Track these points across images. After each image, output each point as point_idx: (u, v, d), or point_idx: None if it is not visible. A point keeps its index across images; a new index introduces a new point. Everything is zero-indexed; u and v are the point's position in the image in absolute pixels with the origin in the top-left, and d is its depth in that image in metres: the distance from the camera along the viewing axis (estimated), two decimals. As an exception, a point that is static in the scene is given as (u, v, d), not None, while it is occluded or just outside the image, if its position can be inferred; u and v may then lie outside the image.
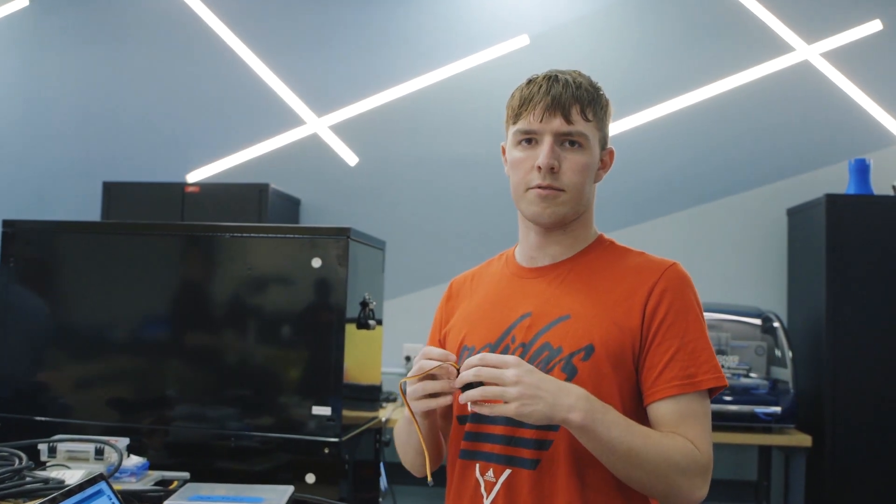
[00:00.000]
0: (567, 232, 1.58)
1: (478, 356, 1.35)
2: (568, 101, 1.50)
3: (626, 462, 1.38)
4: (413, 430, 1.57)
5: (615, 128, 4.55)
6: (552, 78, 1.53)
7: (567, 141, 1.51)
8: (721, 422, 3.77)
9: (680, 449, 1.39)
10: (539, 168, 1.50)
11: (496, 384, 1.33)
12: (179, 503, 1.63)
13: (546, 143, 1.50)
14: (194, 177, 4.99)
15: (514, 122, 1.55)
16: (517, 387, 1.32)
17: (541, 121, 1.50)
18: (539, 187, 1.51)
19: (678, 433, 1.42)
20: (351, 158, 4.91)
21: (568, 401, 1.33)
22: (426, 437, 1.55)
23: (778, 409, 3.80)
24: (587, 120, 1.51)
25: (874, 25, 4.55)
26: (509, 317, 1.55)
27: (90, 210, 4.81)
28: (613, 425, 1.35)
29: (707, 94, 4.64)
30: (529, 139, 1.53)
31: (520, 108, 1.54)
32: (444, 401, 1.43)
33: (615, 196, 4.57)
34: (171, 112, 5.10)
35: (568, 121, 1.50)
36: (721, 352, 3.96)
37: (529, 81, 1.56)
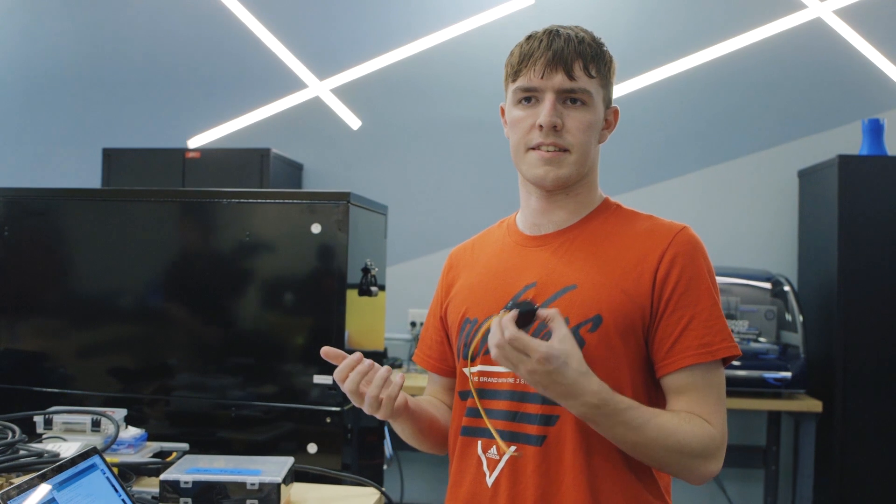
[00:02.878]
0: (571, 195, 1.51)
1: (509, 335, 1.25)
2: (570, 57, 1.42)
3: (633, 452, 1.36)
4: (402, 428, 1.56)
5: (623, 88, 4.52)
6: (553, 33, 1.45)
7: (569, 98, 1.44)
8: (730, 387, 3.70)
9: (695, 433, 1.35)
10: (540, 127, 1.43)
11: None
12: (176, 476, 1.59)
13: (548, 100, 1.43)
14: (195, 142, 4.92)
15: (514, 80, 1.48)
16: (529, 376, 1.27)
17: (542, 77, 1.43)
18: (541, 147, 1.44)
19: (693, 409, 1.37)
20: (354, 122, 4.84)
21: (573, 402, 1.30)
22: (413, 423, 1.55)
23: (788, 374, 3.75)
24: (591, 76, 1.44)
25: (888, -19, 4.44)
26: (513, 287, 1.49)
27: (90, 177, 4.75)
28: (619, 424, 1.31)
29: (716, 53, 4.54)
30: (529, 97, 1.46)
31: (519, 64, 1.46)
32: (395, 389, 1.40)
33: (622, 158, 4.50)
34: (171, 77, 5.02)
35: (570, 77, 1.42)
36: (730, 316, 3.91)
37: (529, 37, 1.48)
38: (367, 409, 1.41)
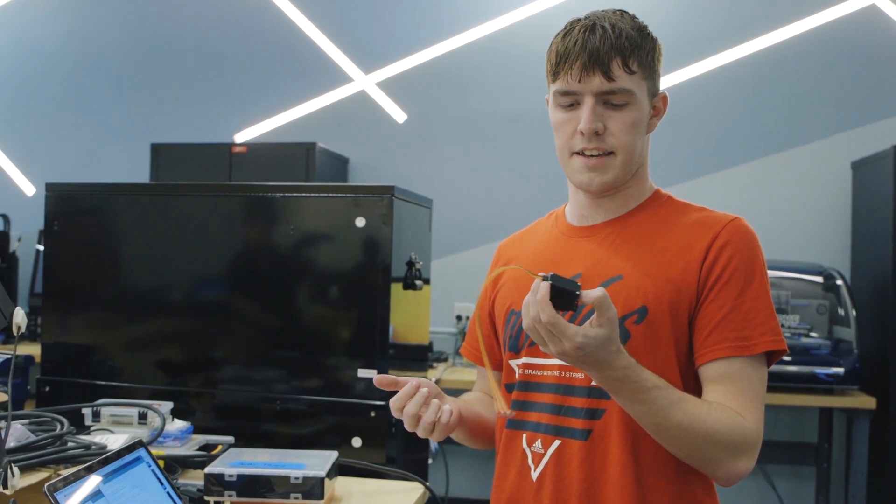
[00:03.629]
0: (620, 190, 1.47)
1: (546, 318, 1.20)
2: (607, 55, 1.36)
3: (658, 436, 1.31)
4: (455, 435, 1.55)
5: (671, 79, 4.45)
6: (588, 28, 1.39)
7: (611, 99, 1.39)
8: (781, 383, 3.66)
9: (725, 424, 1.30)
10: (582, 133, 1.39)
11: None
12: (221, 469, 1.60)
13: (587, 104, 1.38)
14: (241, 137, 4.96)
15: (553, 81, 1.43)
16: (559, 355, 1.24)
17: (579, 80, 1.38)
18: (584, 153, 1.41)
19: (726, 401, 1.32)
20: (399, 115, 4.84)
21: (595, 373, 1.27)
22: (466, 430, 1.55)
23: (840, 369, 3.67)
24: (631, 72, 1.38)
25: (946, -33, 4.31)
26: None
27: (139, 172, 4.81)
28: (641, 402, 1.27)
29: (768, 42, 4.46)
30: (570, 101, 1.42)
31: (556, 65, 1.41)
32: (446, 415, 1.40)
33: (672, 150, 4.44)
34: (217, 72, 5.07)
35: (609, 77, 1.37)
36: (781, 310, 3.83)
37: (566, 33, 1.42)
38: (421, 434, 1.41)
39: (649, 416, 1.28)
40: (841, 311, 3.89)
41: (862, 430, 3.75)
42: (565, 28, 1.44)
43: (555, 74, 1.42)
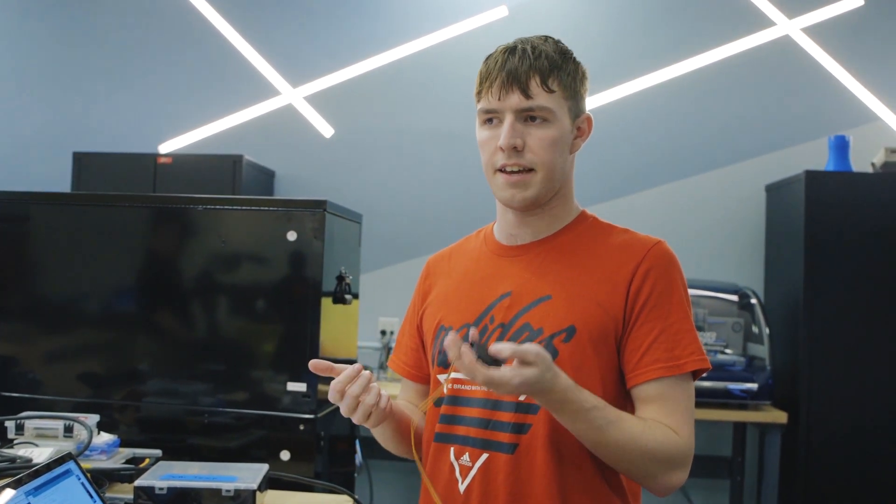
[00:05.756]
0: (546, 209, 1.52)
1: (483, 380, 1.22)
2: (525, 75, 1.42)
3: (597, 451, 1.37)
4: (382, 431, 1.56)
5: (595, 101, 4.55)
6: (509, 50, 1.45)
7: (529, 116, 1.44)
8: (697, 398, 3.70)
9: (660, 440, 1.36)
10: (502, 149, 1.44)
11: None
12: (151, 482, 1.59)
13: (507, 121, 1.43)
14: (166, 147, 4.89)
15: (478, 101, 1.49)
16: (517, 389, 1.26)
17: (499, 98, 1.44)
18: (505, 171, 1.45)
19: (661, 419, 1.39)
20: (326, 130, 4.84)
21: (539, 398, 1.31)
22: (394, 426, 1.55)
23: (754, 385, 3.80)
24: (550, 91, 1.43)
25: (856, 0, 4.52)
26: (488, 296, 1.51)
27: (60, 181, 4.70)
28: (582, 422, 1.31)
29: (686, 68, 4.60)
30: (491, 118, 1.47)
31: (480, 85, 1.47)
32: (384, 400, 1.41)
33: (592, 170, 4.54)
34: (142, 81, 4.99)
35: (526, 95, 1.42)
36: (698, 328, 3.95)
37: (489, 57, 1.48)
38: (358, 419, 1.40)
39: (589, 433, 1.33)
40: (755, 329, 4.03)
41: (774, 444, 3.88)
42: (489, 55, 1.49)
43: (479, 94, 1.48)
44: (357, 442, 2.69)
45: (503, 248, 1.57)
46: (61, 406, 2.23)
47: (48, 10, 5.11)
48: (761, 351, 3.94)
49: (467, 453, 1.46)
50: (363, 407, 1.38)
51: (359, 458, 2.82)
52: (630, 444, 1.34)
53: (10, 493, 1.25)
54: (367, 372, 1.41)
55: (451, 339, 1.22)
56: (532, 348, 1.24)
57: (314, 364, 1.41)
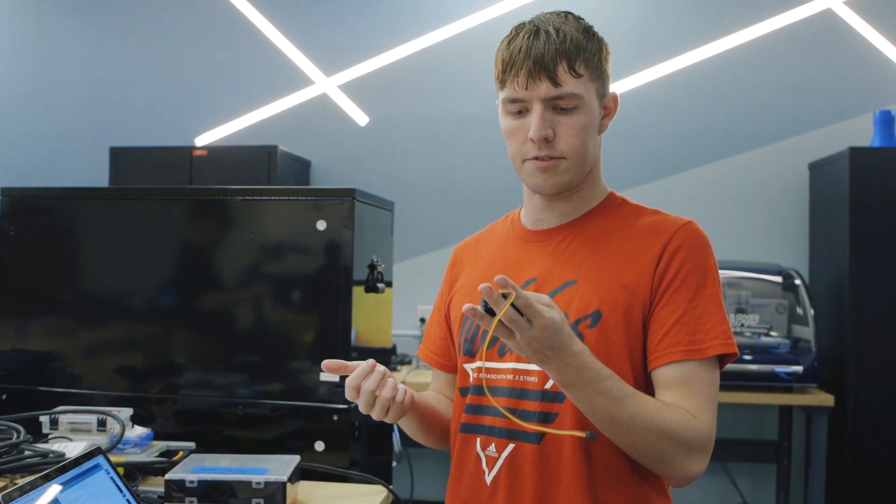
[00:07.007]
0: (574, 192, 1.48)
1: (522, 301, 1.15)
2: (552, 61, 1.36)
3: (612, 430, 1.29)
4: (408, 423, 1.54)
5: (629, 83, 4.48)
6: (533, 33, 1.39)
7: (559, 104, 1.38)
8: (741, 381, 3.70)
9: (679, 422, 1.29)
10: (532, 140, 1.39)
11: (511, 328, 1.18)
12: (181, 475, 1.58)
13: (536, 111, 1.38)
14: (202, 140, 4.92)
15: (501, 88, 1.43)
16: (527, 347, 1.19)
17: (526, 88, 1.37)
18: (536, 159, 1.40)
19: (680, 403, 1.32)
20: (361, 118, 4.83)
21: (554, 365, 1.22)
22: (419, 419, 1.53)
23: (799, 368, 3.72)
24: (578, 75, 1.37)
25: (899, -29, 4.39)
26: (514, 282, 1.47)
27: (98, 176, 4.75)
28: (598, 393, 1.24)
29: (726, 45, 4.51)
30: (518, 109, 1.41)
31: (503, 73, 1.40)
32: (401, 394, 1.39)
33: (630, 153, 4.48)
34: (177, 75, 5.02)
35: (555, 83, 1.36)
36: (741, 310, 3.88)
37: (510, 40, 1.41)
38: (376, 414, 1.39)
39: (605, 407, 1.26)
40: (799, 311, 3.94)
41: (821, 427, 3.81)
42: (510, 34, 1.43)
43: (502, 82, 1.42)
44: (396, 430, 2.67)
45: (529, 233, 1.53)
46: (98, 400, 2.24)
47: (84, 6, 5.16)
48: (806, 333, 3.86)
49: (493, 444, 1.43)
50: (380, 402, 1.37)
51: (397, 446, 2.81)
52: (646, 420, 1.27)
53: (38, 487, 1.24)
54: (382, 367, 1.39)
55: (485, 286, 1.15)
56: (546, 297, 1.20)
57: (327, 364, 1.40)
